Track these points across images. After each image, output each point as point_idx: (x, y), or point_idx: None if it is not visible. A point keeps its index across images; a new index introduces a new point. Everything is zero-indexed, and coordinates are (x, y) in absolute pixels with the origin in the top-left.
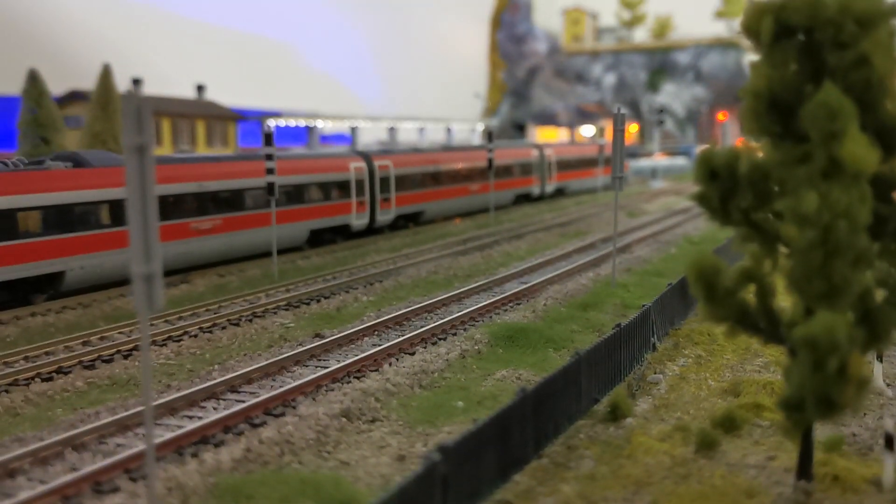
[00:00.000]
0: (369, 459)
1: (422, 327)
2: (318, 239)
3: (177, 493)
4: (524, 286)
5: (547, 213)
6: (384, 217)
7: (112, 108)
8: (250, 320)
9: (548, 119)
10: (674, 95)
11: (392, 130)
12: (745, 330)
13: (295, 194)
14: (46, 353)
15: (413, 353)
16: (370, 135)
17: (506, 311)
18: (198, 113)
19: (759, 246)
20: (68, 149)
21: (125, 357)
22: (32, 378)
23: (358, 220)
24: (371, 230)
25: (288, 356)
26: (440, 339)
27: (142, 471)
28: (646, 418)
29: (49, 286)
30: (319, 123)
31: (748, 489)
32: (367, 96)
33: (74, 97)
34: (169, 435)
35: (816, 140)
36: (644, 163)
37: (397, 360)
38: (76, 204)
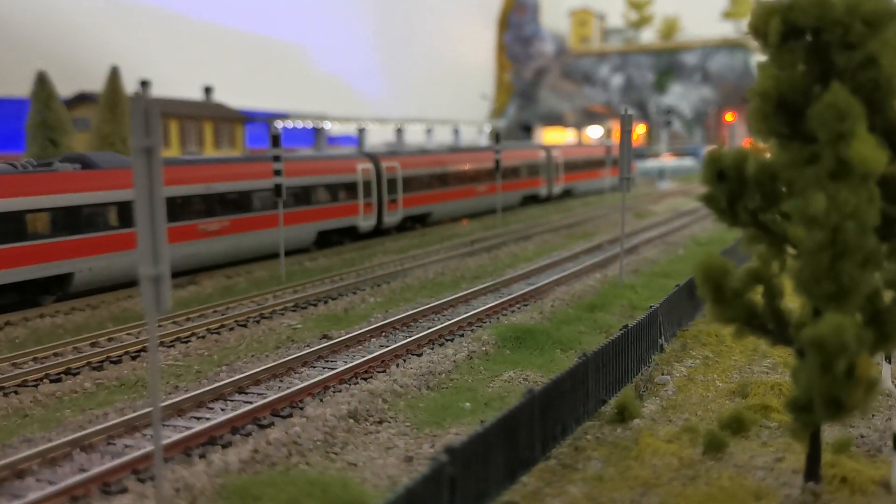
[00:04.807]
0: (377, 460)
1: (429, 328)
2: (326, 240)
3: (185, 493)
4: (531, 287)
5: (554, 215)
6: (391, 218)
7: (120, 109)
8: (258, 322)
9: (555, 120)
10: (681, 96)
11: (399, 132)
12: (752, 331)
13: (302, 196)
14: (55, 355)
15: (420, 355)
16: (377, 136)
17: (513, 312)
18: (205, 114)
19: (766, 247)
20: (76, 151)
21: (133, 358)
22: (41, 379)
23: (365, 222)
24: (378, 231)
25: (295, 357)
26: (447, 340)
27: (150, 472)
28: (653, 419)
29: (58, 287)
30: (327, 125)
31: (756, 491)
32: (375, 98)
33: (83, 99)
34: (177, 436)
35: (824, 141)
36: (651, 164)
37: (404, 361)
38: (84, 206)
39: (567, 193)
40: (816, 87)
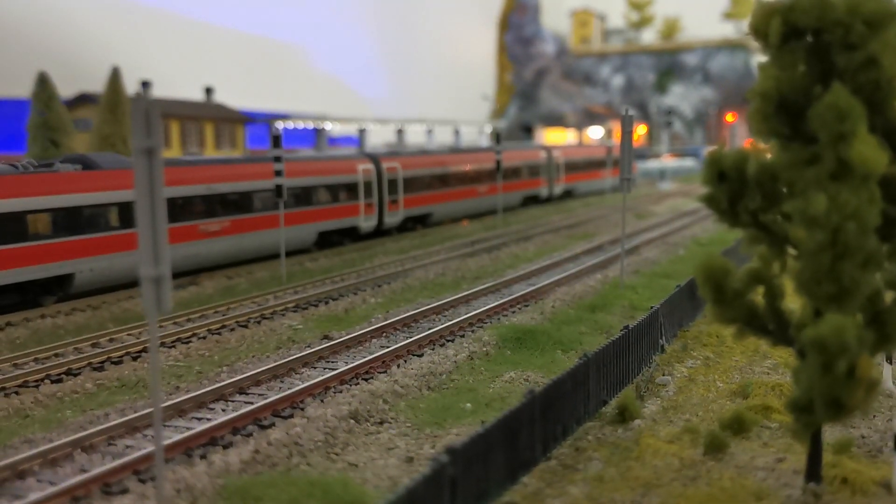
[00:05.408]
0: (377, 461)
1: (430, 329)
2: (327, 241)
3: (185, 494)
4: (532, 288)
5: (555, 215)
6: (392, 219)
7: (121, 110)
8: (258, 322)
9: (556, 121)
10: (682, 97)
11: (400, 132)
12: (753, 332)
13: (303, 196)
14: (56, 355)
15: (421, 355)
16: (378, 137)
17: (514, 312)
18: (206, 115)
19: (767, 248)
20: (77, 151)
21: (134, 359)
22: (42, 380)
23: (366, 222)
24: (379, 232)
25: (296, 358)
26: (448, 340)
27: (151, 472)
28: (654, 420)
29: (58, 288)
30: (328, 125)
31: (757, 491)
32: (375, 98)
33: (83, 100)
34: (178, 436)
35: (825, 141)
36: (652, 164)
37: (405, 361)
38: (85, 206)
39: (568, 194)
40: (817, 88)
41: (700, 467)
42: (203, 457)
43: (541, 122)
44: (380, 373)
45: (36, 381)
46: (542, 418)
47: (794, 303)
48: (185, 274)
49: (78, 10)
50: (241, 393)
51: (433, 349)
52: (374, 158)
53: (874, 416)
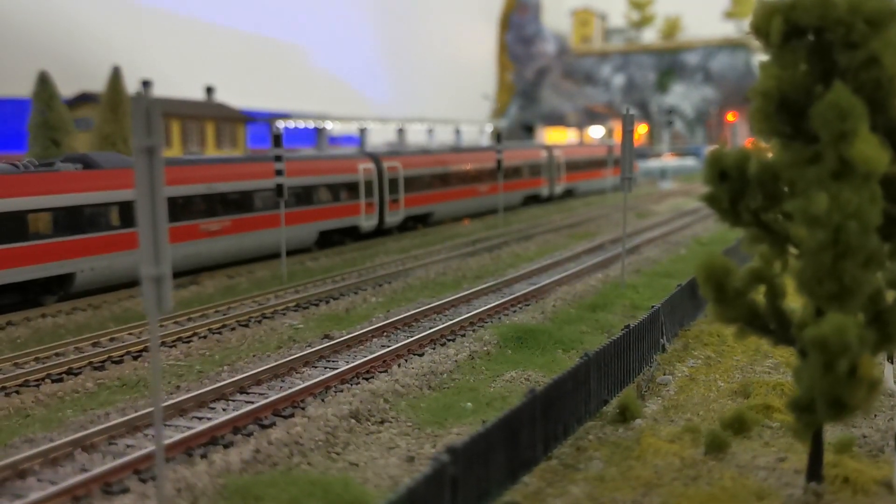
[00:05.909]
0: (378, 461)
1: (430, 328)
2: (327, 240)
3: (186, 493)
4: (533, 287)
5: (556, 215)
6: (393, 218)
7: (122, 110)
8: (259, 321)
9: (556, 120)
10: (683, 96)
11: (401, 132)
12: (755, 331)
13: (304, 196)
14: (57, 355)
15: (422, 355)
16: (379, 136)
17: (515, 312)
18: (207, 114)
19: (768, 247)
20: (78, 151)
21: (135, 358)
22: (43, 379)
23: (367, 222)
24: (380, 231)
25: (297, 357)
26: (449, 340)
27: (151, 472)
28: (655, 420)
29: (59, 288)
30: (328, 125)
31: (758, 491)
32: (376, 98)
33: (84, 99)
34: (178, 436)
35: (826, 140)
36: (653, 164)
37: (406, 361)
38: (86, 206)
39: (569, 193)
40: (818, 87)
41: (701, 467)
42: (204, 456)
43: (542, 121)
44: (380, 372)
45: (37, 380)
46: (543, 418)
47: (795, 302)
48: (186, 273)
49: (78, 9)
50: (241, 392)
51: (434, 348)
52: (375, 158)
53: (875, 416)
